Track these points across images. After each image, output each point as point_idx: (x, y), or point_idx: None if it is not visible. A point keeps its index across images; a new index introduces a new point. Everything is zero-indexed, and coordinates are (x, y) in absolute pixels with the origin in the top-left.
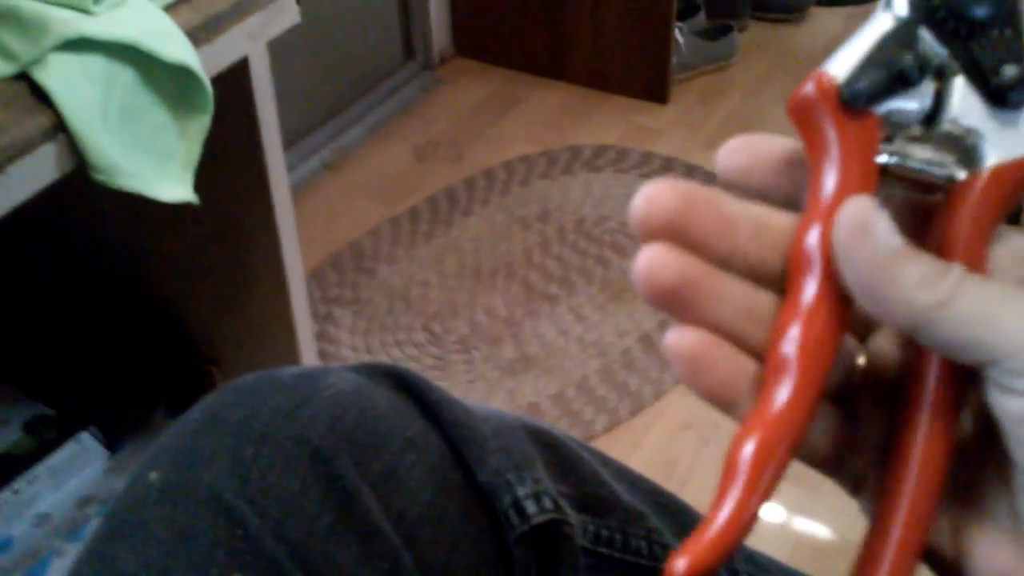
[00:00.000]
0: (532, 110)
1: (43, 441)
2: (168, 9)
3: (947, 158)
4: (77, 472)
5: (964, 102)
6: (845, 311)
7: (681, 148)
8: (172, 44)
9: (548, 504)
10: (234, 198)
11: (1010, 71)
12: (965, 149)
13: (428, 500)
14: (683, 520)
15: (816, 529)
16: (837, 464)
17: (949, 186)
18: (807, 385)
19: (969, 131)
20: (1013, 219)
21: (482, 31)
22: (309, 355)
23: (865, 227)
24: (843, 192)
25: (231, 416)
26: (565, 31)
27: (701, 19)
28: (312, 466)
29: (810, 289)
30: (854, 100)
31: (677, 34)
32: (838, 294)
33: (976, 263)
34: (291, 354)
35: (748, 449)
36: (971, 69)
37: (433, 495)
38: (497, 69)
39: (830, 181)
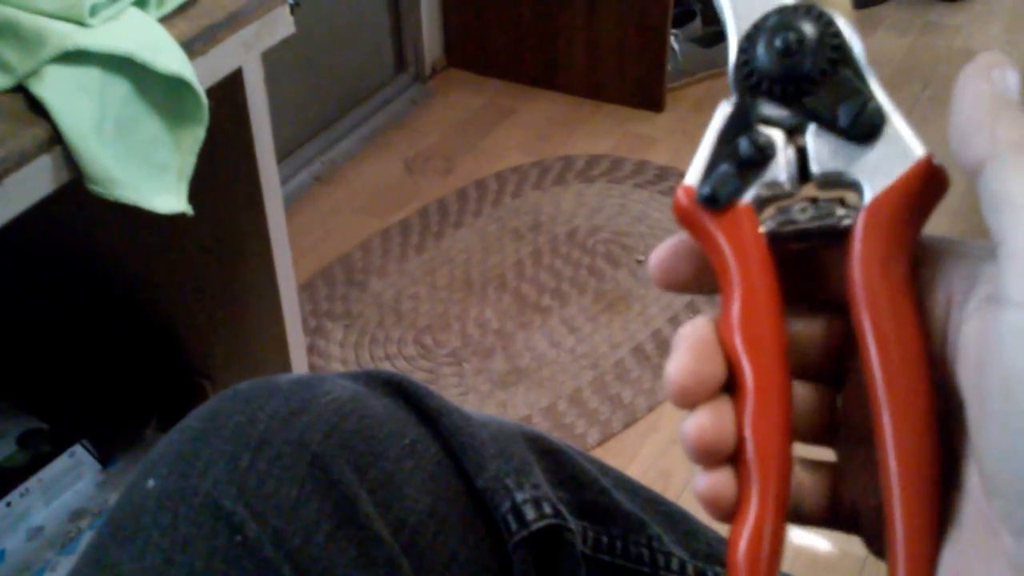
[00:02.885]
0: (524, 121)
1: (37, 454)
2: (163, 20)
3: (830, 206)
4: (70, 486)
5: (823, 150)
6: (786, 387)
7: (677, 156)
8: (167, 56)
9: (547, 510)
10: (227, 211)
11: (846, 110)
12: (844, 191)
13: (427, 506)
14: (684, 528)
15: (815, 541)
16: (832, 516)
17: (843, 231)
18: (774, 477)
19: (839, 174)
20: None
21: (474, 42)
22: (301, 368)
23: (989, 70)
24: (746, 271)
25: (229, 422)
26: (558, 40)
27: (697, 25)
28: (311, 472)
29: (750, 375)
30: (713, 203)
31: (672, 41)
32: (782, 363)
33: (889, 297)
34: (283, 368)
35: (742, 547)
36: (817, 120)
37: (432, 501)
38: (489, 80)
39: (732, 266)
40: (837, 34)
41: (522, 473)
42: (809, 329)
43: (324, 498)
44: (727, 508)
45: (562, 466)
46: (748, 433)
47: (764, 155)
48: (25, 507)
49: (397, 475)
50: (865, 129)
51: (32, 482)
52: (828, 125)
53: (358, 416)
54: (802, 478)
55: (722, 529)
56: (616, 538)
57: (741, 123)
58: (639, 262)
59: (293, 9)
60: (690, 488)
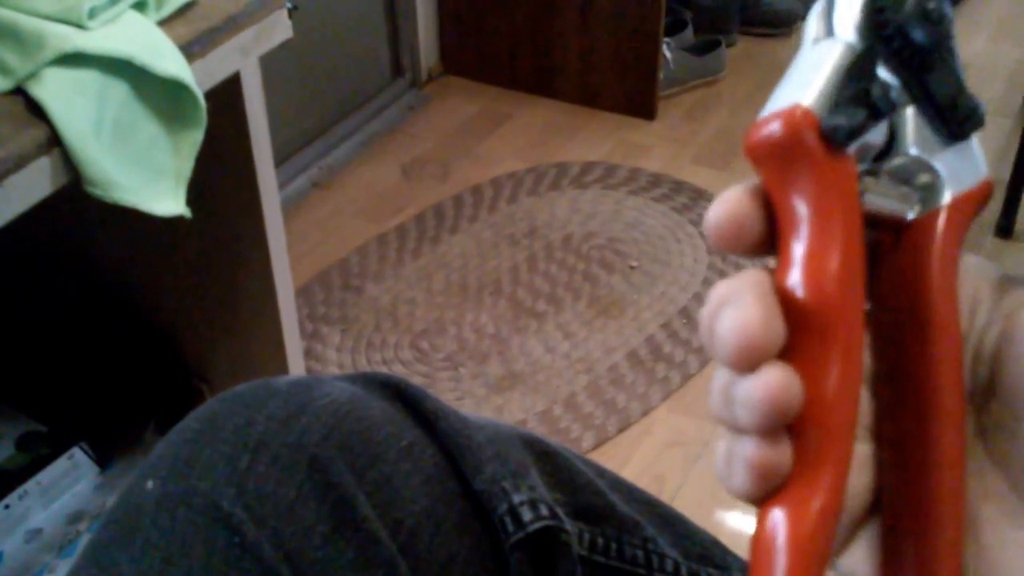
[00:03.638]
0: (520, 127)
1: (35, 457)
2: (162, 24)
3: (900, 193)
4: (68, 488)
5: (917, 135)
6: (860, 352)
7: (669, 164)
8: (166, 59)
9: (544, 511)
10: (225, 215)
11: (964, 103)
12: (918, 183)
13: (424, 508)
14: (678, 530)
15: None
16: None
17: (904, 223)
18: (843, 454)
19: (922, 164)
20: (1003, 232)
21: (470, 49)
22: (298, 371)
23: None
24: (844, 225)
25: (228, 424)
26: (553, 48)
27: (689, 34)
28: (309, 474)
29: (836, 334)
30: (837, 137)
31: (665, 49)
32: (858, 339)
33: (949, 298)
34: (280, 372)
35: (795, 530)
36: (923, 101)
37: (429, 503)
38: (485, 86)
39: (814, 229)
40: (952, 23)
41: (519, 475)
42: None
43: (322, 499)
44: (779, 482)
45: (558, 468)
46: (827, 401)
47: (888, 111)
48: (23, 509)
49: (395, 477)
50: (967, 130)
51: (30, 484)
52: (935, 109)
53: (356, 418)
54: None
55: (716, 531)
56: (612, 540)
57: (867, 69)
58: (633, 268)
59: (291, 13)
60: (683, 492)
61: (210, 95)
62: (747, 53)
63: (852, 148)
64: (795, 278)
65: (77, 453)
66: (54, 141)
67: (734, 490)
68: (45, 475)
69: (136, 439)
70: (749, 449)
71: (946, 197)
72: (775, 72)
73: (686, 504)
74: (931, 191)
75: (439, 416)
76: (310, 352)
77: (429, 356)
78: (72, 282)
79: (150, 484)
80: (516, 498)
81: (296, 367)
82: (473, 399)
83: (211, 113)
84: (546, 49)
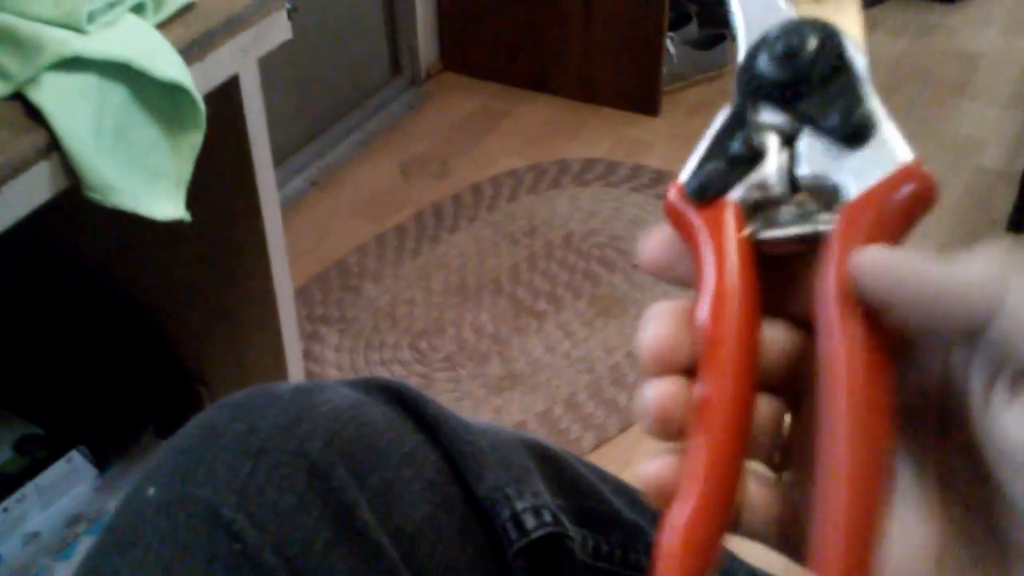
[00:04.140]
0: (520, 124)
1: (33, 460)
2: (160, 27)
3: (815, 211)
4: (67, 491)
5: (813, 153)
6: (749, 380)
7: (672, 160)
8: (164, 62)
9: (547, 518)
10: (223, 217)
11: (836, 112)
12: (829, 197)
13: (426, 515)
14: None
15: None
16: (779, 536)
17: (825, 235)
18: (720, 468)
19: (824, 177)
20: (1015, 227)
21: (469, 45)
22: (297, 373)
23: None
24: (720, 270)
25: (229, 431)
26: (553, 43)
27: (693, 28)
28: (310, 480)
29: (711, 371)
30: (700, 195)
31: (668, 44)
32: (742, 366)
33: (845, 302)
34: (279, 373)
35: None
36: (809, 122)
37: (431, 509)
38: (485, 83)
39: (708, 264)
40: (840, 46)
41: (522, 481)
42: (776, 338)
43: (323, 506)
44: (669, 493)
45: (561, 473)
46: (702, 427)
47: (754, 154)
48: (21, 512)
49: (396, 483)
50: (854, 131)
51: (29, 488)
52: (819, 128)
53: (357, 424)
54: (753, 490)
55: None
56: (616, 546)
57: (737, 125)
58: (635, 266)
59: (290, 14)
60: None
61: (209, 97)
62: None
63: (736, 194)
64: (696, 310)
65: (75, 456)
66: (53, 146)
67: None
68: (43, 478)
69: (134, 442)
70: (643, 465)
71: (846, 199)
72: None
73: None
74: (837, 200)
75: (441, 421)
76: (309, 353)
77: (428, 357)
78: (70, 285)
79: (151, 491)
80: (519, 504)
81: (295, 369)
82: (472, 400)
83: (210, 115)
84: (547, 45)
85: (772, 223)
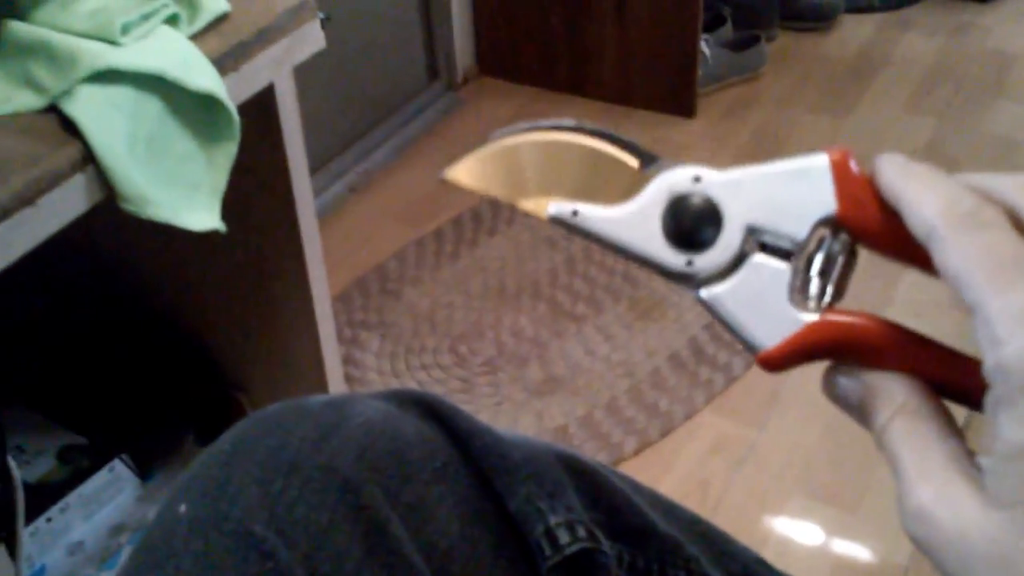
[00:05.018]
0: None
1: (76, 470)
2: (194, 38)
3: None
4: (109, 500)
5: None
6: None
7: (709, 162)
8: (199, 73)
9: (581, 533)
10: (261, 225)
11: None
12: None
13: (458, 530)
14: (720, 548)
15: (856, 551)
16: None
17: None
18: None
19: (784, 237)
20: None
21: (506, 50)
22: (336, 380)
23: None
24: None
25: (260, 446)
26: (589, 47)
27: (728, 30)
28: (341, 497)
29: None
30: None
31: (703, 46)
32: None
33: None
34: (318, 380)
35: None
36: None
37: (463, 525)
38: (521, 87)
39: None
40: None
41: (555, 495)
42: None
43: (355, 523)
44: None
45: (596, 487)
46: None
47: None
48: (65, 523)
49: (428, 498)
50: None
51: (72, 497)
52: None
53: (389, 438)
54: None
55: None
56: (652, 560)
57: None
58: None
59: (324, 24)
60: (728, 497)
61: (245, 107)
62: (787, 48)
63: (808, 314)
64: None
65: (118, 465)
66: (88, 158)
67: None
68: (86, 488)
69: (176, 450)
70: None
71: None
72: (816, 67)
73: (731, 510)
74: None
75: (473, 435)
76: (349, 358)
77: (468, 361)
78: (109, 295)
79: (183, 508)
80: (552, 519)
81: (334, 376)
82: (513, 404)
83: (246, 124)
84: (582, 48)
85: (828, 271)
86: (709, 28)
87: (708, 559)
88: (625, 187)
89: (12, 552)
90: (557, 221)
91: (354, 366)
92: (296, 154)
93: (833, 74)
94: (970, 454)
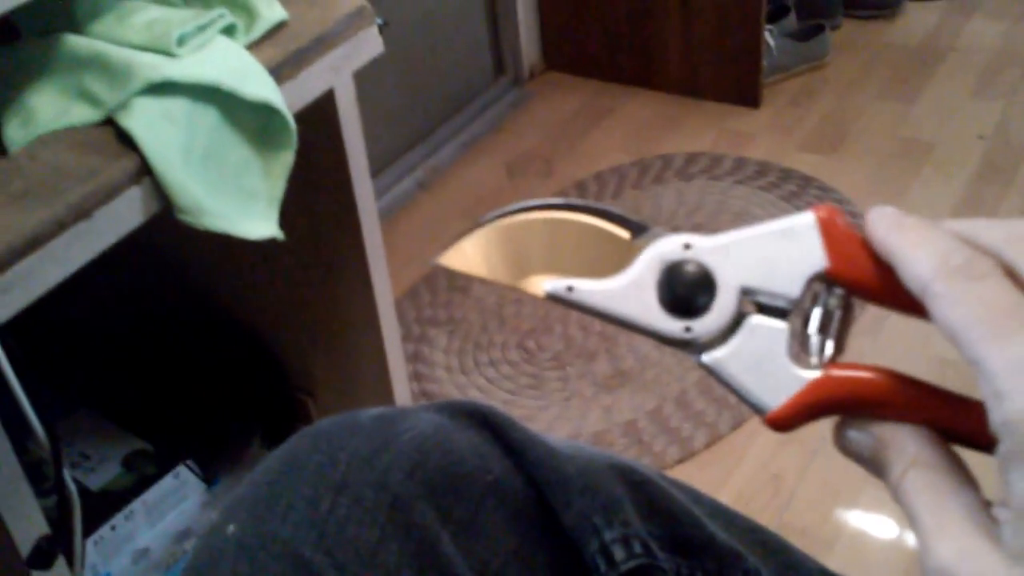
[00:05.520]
0: (623, 121)
1: (141, 476)
2: (251, 47)
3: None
4: (175, 506)
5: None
6: None
7: (775, 152)
8: (255, 82)
9: (637, 548)
10: (324, 228)
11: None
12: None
13: (511, 548)
14: (783, 559)
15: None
16: None
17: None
18: None
19: (781, 298)
20: None
21: (571, 44)
22: (401, 380)
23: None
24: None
25: (309, 463)
26: (654, 40)
27: (792, 20)
28: (391, 515)
29: None
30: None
31: (767, 36)
32: None
33: None
34: (383, 380)
35: None
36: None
37: (516, 542)
38: (587, 81)
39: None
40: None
41: (610, 509)
42: None
43: (405, 541)
44: None
45: (653, 498)
46: None
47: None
48: (130, 529)
49: (480, 514)
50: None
51: (136, 504)
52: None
53: (441, 452)
54: None
55: (837, 532)
56: (711, 573)
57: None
58: None
59: (382, 29)
60: (801, 490)
61: (305, 112)
62: (852, 36)
63: (812, 370)
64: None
65: (183, 471)
66: (144, 170)
67: None
68: (151, 494)
69: (242, 455)
70: None
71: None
72: (882, 54)
73: (803, 503)
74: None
75: (527, 447)
76: (418, 355)
77: (536, 356)
78: (173, 300)
79: (231, 528)
80: (608, 535)
81: (399, 378)
82: (581, 399)
83: (307, 129)
84: (647, 41)
85: (829, 323)
86: (773, 19)
87: (770, 571)
88: (618, 259)
89: (70, 563)
90: (553, 298)
91: (423, 363)
92: (357, 157)
93: (898, 61)
94: (986, 504)
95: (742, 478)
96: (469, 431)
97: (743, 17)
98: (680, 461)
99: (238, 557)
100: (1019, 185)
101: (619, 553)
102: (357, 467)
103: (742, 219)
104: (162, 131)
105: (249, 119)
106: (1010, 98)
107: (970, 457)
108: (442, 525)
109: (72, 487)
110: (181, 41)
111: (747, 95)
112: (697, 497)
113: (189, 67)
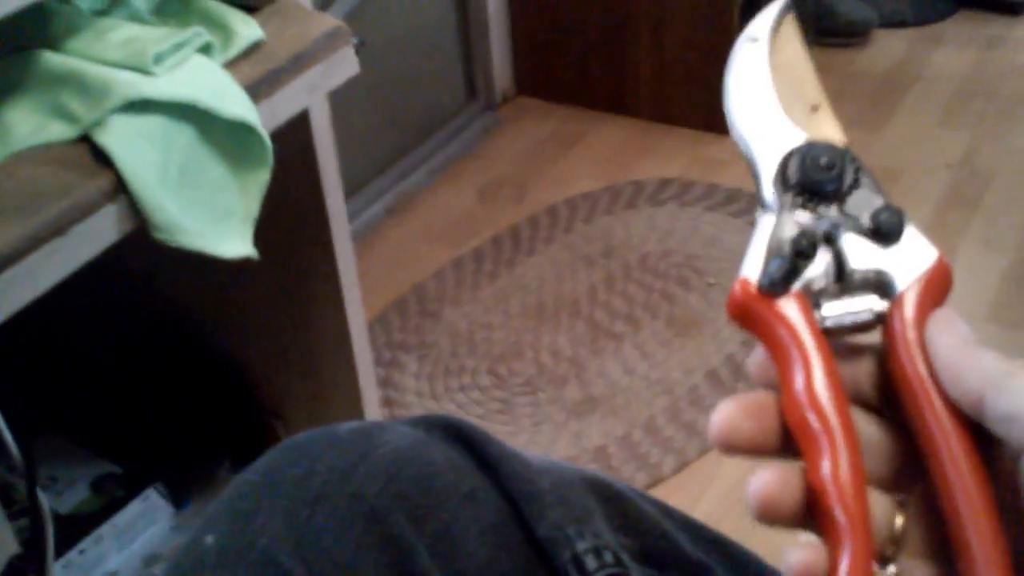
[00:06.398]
0: (594, 146)
1: (110, 500)
2: (228, 65)
3: (866, 298)
4: (144, 530)
5: (856, 251)
6: (857, 449)
7: (746, 178)
8: (231, 101)
9: (609, 559)
10: (295, 249)
11: (872, 217)
12: (876, 285)
13: (486, 558)
14: (750, 570)
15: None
16: None
17: (880, 319)
18: (861, 526)
19: (872, 271)
20: None
21: (543, 69)
22: (372, 405)
23: (951, 320)
24: (804, 351)
25: (287, 475)
26: (626, 66)
27: None
28: (368, 525)
29: (824, 436)
30: (772, 288)
31: None
32: (850, 437)
33: (917, 372)
34: (355, 404)
35: None
36: (848, 225)
37: (491, 552)
38: (559, 107)
39: (790, 349)
40: (855, 159)
41: (583, 521)
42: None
43: (381, 552)
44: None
45: (624, 511)
46: (831, 487)
47: (812, 251)
48: (99, 553)
49: (455, 526)
50: (890, 231)
51: (106, 528)
52: (858, 230)
53: (417, 465)
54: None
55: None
56: None
57: (786, 228)
58: (711, 285)
59: (358, 49)
60: None
61: (279, 132)
62: (823, 63)
63: (797, 287)
64: (784, 400)
65: (152, 494)
66: (120, 188)
67: None
68: (120, 518)
69: (211, 478)
70: (787, 554)
71: (898, 290)
72: (852, 81)
73: (771, 531)
74: (889, 289)
75: (502, 460)
76: (388, 380)
77: (507, 381)
78: (143, 321)
79: (209, 539)
80: (580, 545)
81: (370, 402)
82: (552, 424)
83: (281, 149)
84: (619, 67)
85: (833, 311)
86: None
87: None
88: None
89: None
90: None
91: (393, 388)
92: (331, 178)
93: (867, 89)
94: None
95: (710, 503)
96: (444, 445)
97: (714, 44)
98: (649, 486)
99: (218, 566)
100: (984, 213)
101: (591, 563)
102: (334, 479)
103: (713, 245)
104: (138, 149)
105: (225, 138)
106: (976, 127)
107: None
108: (418, 537)
109: (46, 507)
110: (158, 59)
111: (719, 122)
112: (667, 511)
113: (166, 85)
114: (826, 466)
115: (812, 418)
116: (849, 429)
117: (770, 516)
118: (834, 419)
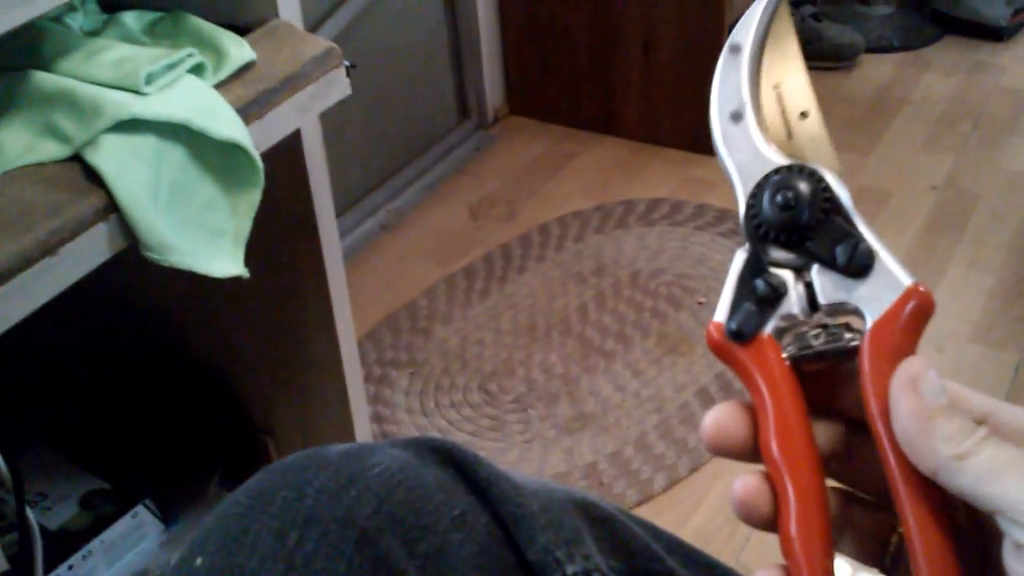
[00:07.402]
0: (585, 166)
1: (99, 516)
2: (220, 86)
3: (839, 331)
4: (133, 546)
5: (827, 285)
6: (823, 491)
7: (731, 197)
8: (223, 121)
9: None
10: (287, 267)
11: (841, 251)
12: (848, 317)
13: None
14: None
15: None
16: None
17: (852, 350)
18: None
19: (842, 304)
20: None
21: (535, 89)
22: (363, 422)
23: (915, 383)
24: (775, 396)
25: (276, 497)
26: (616, 86)
27: None
28: (358, 548)
29: (789, 482)
30: (740, 337)
31: None
32: (815, 479)
33: (882, 400)
34: (345, 421)
35: None
36: (818, 260)
37: (481, 575)
38: (551, 126)
39: (762, 393)
40: (828, 188)
41: (573, 544)
42: (831, 439)
43: (372, 575)
44: None
45: (614, 533)
46: (794, 533)
47: (778, 293)
48: (88, 570)
49: (446, 549)
50: (859, 265)
51: (95, 544)
52: (829, 264)
53: (408, 488)
54: None
55: None
56: None
57: (756, 267)
58: (701, 303)
59: (350, 71)
60: (758, 534)
61: (271, 152)
62: None
63: (768, 328)
64: (760, 438)
65: (141, 511)
66: (111, 207)
67: None
68: (109, 534)
69: (201, 495)
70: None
71: (868, 322)
72: (838, 105)
73: (762, 544)
74: (860, 321)
75: (492, 483)
76: (379, 397)
77: (498, 398)
78: (134, 338)
79: (199, 561)
80: (570, 568)
81: (361, 419)
82: (543, 441)
83: (272, 169)
84: (609, 88)
85: (804, 344)
86: None
87: None
88: None
89: None
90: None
91: (384, 405)
92: (322, 198)
93: (854, 113)
94: None
95: (701, 520)
96: (435, 467)
97: (704, 67)
98: (640, 503)
99: None
100: (969, 235)
101: None
102: (324, 501)
103: (703, 264)
104: (129, 168)
105: (216, 158)
106: (961, 150)
107: None
108: (408, 559)
109: (34, 522)
110: (150, 79)
111: (708, 143)
112: (656, 533)
113: (157, 105)
114: (784, 521)
115: (773, 472)
116: (803, 485)
117: (721, 446)
118: (788, 478)
